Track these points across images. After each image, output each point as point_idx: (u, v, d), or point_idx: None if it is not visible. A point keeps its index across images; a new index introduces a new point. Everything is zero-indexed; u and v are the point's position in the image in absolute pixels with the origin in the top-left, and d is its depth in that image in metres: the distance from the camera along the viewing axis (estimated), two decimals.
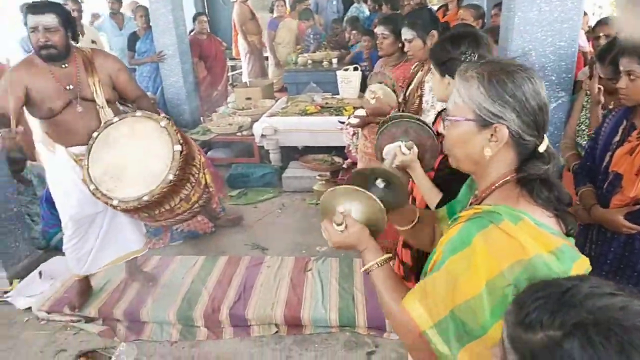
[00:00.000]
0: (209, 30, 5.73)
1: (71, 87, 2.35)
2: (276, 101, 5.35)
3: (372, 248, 1.08)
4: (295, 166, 4.48)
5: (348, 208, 1.11)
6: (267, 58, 7.25)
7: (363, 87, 5.04)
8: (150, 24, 5.13)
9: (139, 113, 2.28)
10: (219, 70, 5.87)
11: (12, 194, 3.20)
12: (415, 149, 1.54)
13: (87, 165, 2.20)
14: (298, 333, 2.52)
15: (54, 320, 2.76)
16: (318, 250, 3.29)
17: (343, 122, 3.98)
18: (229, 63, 7.06)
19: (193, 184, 2.25)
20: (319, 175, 4.05)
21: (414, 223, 1.29)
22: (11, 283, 3.07)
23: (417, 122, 1.57)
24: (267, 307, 2.59)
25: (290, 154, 4.73)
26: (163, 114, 2.45)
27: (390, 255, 1.11)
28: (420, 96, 2.26)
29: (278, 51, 6.47)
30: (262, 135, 4.56)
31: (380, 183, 1.23)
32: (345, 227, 1.08)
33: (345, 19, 6.51)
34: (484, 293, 0.84)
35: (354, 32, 5.86)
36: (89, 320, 2.72)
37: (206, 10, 8.76)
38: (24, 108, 2.36)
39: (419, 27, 2.27)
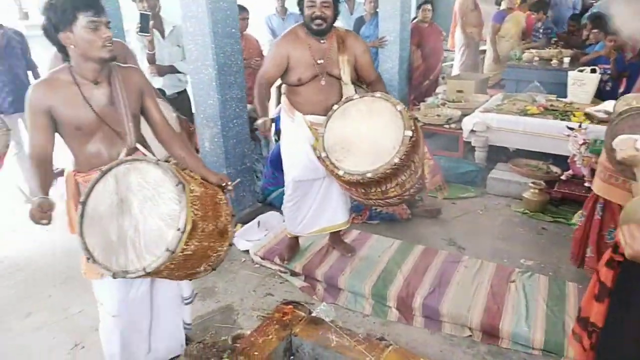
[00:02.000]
0: (431, 19, 5.68)
1: (321, 61, 2.55)
2: (490, 97, 5.07)
3: None
4: (503, 168, 4.20)
5: None
6: (482, 52, 6.91)
7: (598, 93, 4.45)
8: (378, 9, 5.30)
9: (378, 94, 2.37)
10: (435, 60, 5.79)
11: (249, 149, 3.69)
12: None
13: (324, 133, 2.38)
14: (493, 343, 2.38)
15: (265, 266, 3.12)
16: (522, 263, 3.05)
17: (572, 129, 3.57)
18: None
19: (411, 172, 2.28)
20: (532, 183, 3.72)
21: None
22: (235, 226, 3.56)
23: None
24: (462, 307, 2.50)
25: (498, 154, 4.45)
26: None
27: None
28: None
29: (500, 45, 6.10)
30: (472, 131, 4.37)
31: None
32: None
33: (586, 15, 5.79)
34: None
35: (594, 30, 5.17)
36: (294, 274, 2.99)
37: None
38: None
39: None
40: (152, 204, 1.61)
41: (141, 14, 3.38)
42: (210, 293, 2.86)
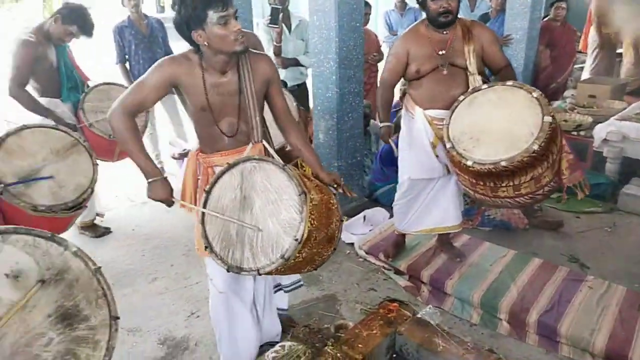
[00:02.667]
0: (564, 18, 5.24)
1: (443, 52, 2.47)
2: (628, 104, 4.55)
3: None
4: (639, 184, 3.77)
5: None
6: (619, 55, 6.22)
7: None
8: (505, 6, 5.02)
9: (509, 82, 2.23)
10: (565, 61, 5.34)
11: (361, 144, 3.71)
12: None
13: (448, 123, 2.29)
14: None
15: (369, 260, 3.12)
16: None
17: None
18: None
19: (548, 165, 2.10)
20: None
21: None
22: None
23: None
24: (584, 330, 2.29)
25: (633, 167, 3.99)
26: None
27: None
28: None
29: None
30: (604, 140, 3.97)
31: None
32: None
33: None
34: None
35: None
36: (398, 272, 2.96)
37: None
38: None
39: None
40: (273, 208, 1.64)
41: (272, 8, 3.55)
42: (315, 281, 2.93)
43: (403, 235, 3.07)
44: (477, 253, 3.01)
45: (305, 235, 1.58)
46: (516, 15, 4.96)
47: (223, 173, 1.76)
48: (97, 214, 3.62)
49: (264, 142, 1.94)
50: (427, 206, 2.83)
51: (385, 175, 3.85)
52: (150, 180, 1.82)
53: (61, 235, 1.20)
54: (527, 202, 2.31)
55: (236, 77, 1.86)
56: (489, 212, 3.44)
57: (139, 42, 4.16)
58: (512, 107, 2.15)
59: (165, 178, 1.85)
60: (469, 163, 2.12)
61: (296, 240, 1.57)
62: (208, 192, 1.77)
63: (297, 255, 1.61)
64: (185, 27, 1.72)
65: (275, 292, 2.38)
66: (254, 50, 1.97)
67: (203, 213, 1.75)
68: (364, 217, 3.58)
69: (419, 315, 2.37)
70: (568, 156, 2.23)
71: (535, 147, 1.98)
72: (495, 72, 2.58)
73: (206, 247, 1.72)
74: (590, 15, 6.34)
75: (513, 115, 2.12)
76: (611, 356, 2.18)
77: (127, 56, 4.20)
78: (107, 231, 3.59)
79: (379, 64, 5.15)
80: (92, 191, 2.46)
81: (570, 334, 2.29)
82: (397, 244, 3.07)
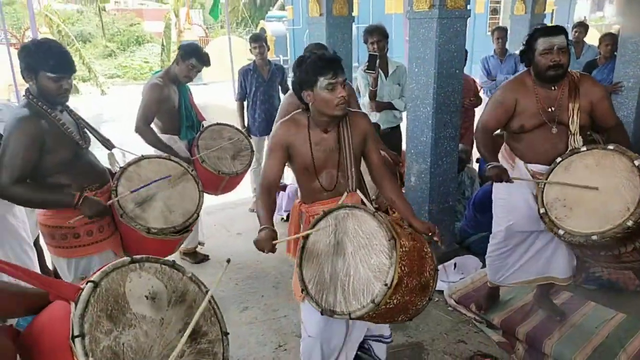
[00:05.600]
0: None
1: (552, 109, 2.40)
2: None
3: None
4: None
5: None
6: None
7: None
8: (614, 53, 4.77)
9: (611, 146, 2.14)
10: None
11: (454, 189, 3.66)
12: None
13: (543, 188, 2.24)
14: None
15: (459, 310, 3.02)
16: None
17: None
18: None
19: None
20: None
21: None
22: None
23: None
24: None
25: None
26: None
27: None
28: None
29: None
30: None
31: None
32: None
33: None
34: None
35: None
36: (490, 325, 2.83)
37: None
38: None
39: None
40: (364, 253, 1.69)
41: (370, 55, 3.72)
42: (401, 326, 2.88)
43: (497, 288, 2.94)
44: (580, 313, 2.80)
45: (396, 280, 1.59)
46: (628, 62, 4.67)
47: (319, 220, 1.86)
48: (199, 243, 3.89)
49: (358, 191, 2.05)
50: (528, 260, 2.69)
51: (478, 223, 3.74)
52: (261, 228, 1.90)
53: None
54: (636, 267, 2.22)
55: (336, 134, 2.05)
56: (595, 269, 3.19)
57: (259, 85, 4.64)
58: (609, 175, 2.07)
59: (274, 230, 1.90)
60: (560, 232, 2.10)
61: (386, 285, 1.58)
62: (305, 238, 1.88)
63: (388, 301, 1.62)
64: (298, 86, 1.97)
65: (376, 341, 2.38)
66: (352, 110, 2.15)
67: (300, 258, 1.85)
68: (455, 264, 3.49)
69: None
70: None
71: (630, 222, 1.91)
72: (604, 130, 2.46)
73: (302, 290, 1.80)
74: None
75: (610, 184, 2.05)
76: None
77: (247, 95, 4.71)
78: (205, 258, 3.85)
79: (475, 109, 5.11)
80: (198, 216, 2.67)
81: None
82: (491, 296, 2.94)
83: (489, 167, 2.47)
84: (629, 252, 2.08)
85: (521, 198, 2.54)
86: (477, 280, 3.20)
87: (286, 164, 2.11)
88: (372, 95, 4.06)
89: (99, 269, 1.15)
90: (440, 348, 2.68)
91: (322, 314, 1.73)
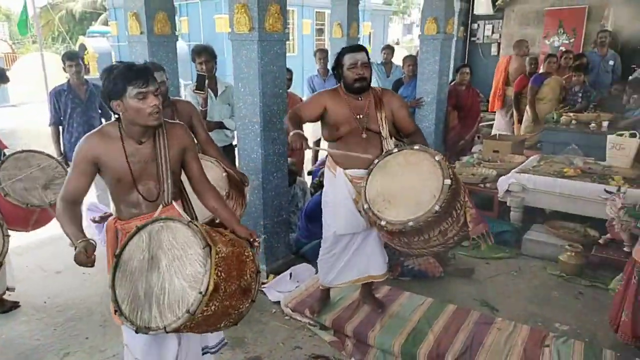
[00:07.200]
0: (469, 82, 5.84)
1: (360, 117, 2.70)
2: (527, 158, 5.08)
3: None
4: (539, 230, 4.16)
5: None
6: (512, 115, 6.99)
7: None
8: (416, 72, 5.54)
9: (416, 146, 2.49)
10: (471, 120, 5.90)
11: (286, 202, 3.83)
12: None
13: (365, 185, 2.50)
14: None
15: (295, 318, 3.15)
16: (557, 327, 2.97)
17: (610, 192, 3.54)
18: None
19: (453, 220, 2.34)
20: (569, 246, 3.66)
21: None
22: (267, 276, 3.64)
23: None
24: None
25: (534, 215, 4.41)
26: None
27: None
28: None
29: (538, 107, 6.16)
30: (507, 191, 4.38)
31: None
32: None
33: (630, 79, 5.81)
34: None
35: (635, 96, 5.19)
36: (323, 327, 3.02)
37: (466, 61, 8.99)
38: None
39: None
40: (179, 264, 1.68)
41: (198, 75, 3.72)
42: (240, 343, 2.91)
43: (328, 290, 3.16)
44: (398, 303, 3.15)
45: (211, 287, 1.61)
46: (426, 80, 5.48)
47: (132, 236, 1.81)
48: (8, 289, 3.38)
49: (174, 203, 2.02)
50: (352, 259, 2.95)
51: (310, 232, 3.96)
52: (77, 242, 1.78)
53: None
54: (441, 250, 2.60)
55: (152, 145, 2.00)
56: (408, 263, 3.64)
57: (76, 106, 4.28)
58: (417, 170, 2.40)
59: (90, 241, 1.80)
60: (383, 223, 2.35)
61: (201, 293, 1.59)
62: (118, 256, 1.80)
63: (205, 308, 1.63)
64: (107, 97, 1.89)
65: (203, 354, 2.34)
66: (170, 121, 2.14)
67: (113, 278, 1.76)
68: (291, 274, 3.64)
69: None
70: (470, 210, 2.49)
71: (437, 207, 2.23)
72: (406, 135, 2.83)
73: (116, 311, 1.72)
74: (501, 79, 7.09)
75: (419, 178, 2.38)
76: None
77: (62, 119, 4.31)
78: (15, 305, 3.36)
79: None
80: (1, 265, 2.35)
81: None
82: (322, 299, 3.15)
83: (291, 134, 2.51)
84: (436, 235, 2.41)
85: (344, 204, 2.79)
86: (311, 286, 3.39)
87: (94, 178, 1.99)
88: (203, 115, 4.05)
89: None
90: (277, 357, 2.77)
91: (136, 332, 1.68)
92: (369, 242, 2.90)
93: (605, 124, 5.22)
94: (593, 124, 5.27)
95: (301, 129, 2.57)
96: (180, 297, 1.64)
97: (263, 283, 3.54)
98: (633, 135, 4.35)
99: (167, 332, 1.64)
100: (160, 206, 1.99)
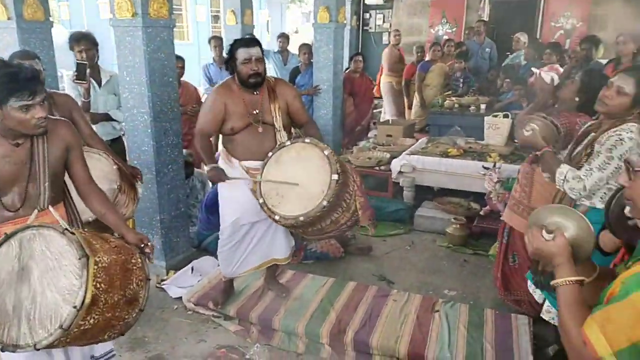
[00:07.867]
0: (362, 70, 6.07)
1: (257, 111, 2.68)
2: (417, 141, 5.43)
3: (569, 265, 1.16)
4: (428, 206, 4.48)
5: (561, 224, 1.23)
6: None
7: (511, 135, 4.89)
8: (312, 60, 5.63)
9: (307, 140, 2.54)
10: (366, 107, 6.16)
11: (183, 195, 3.72)
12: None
13: (260, 180, 2.51)
14: None
15: (198, 312, 3.09)
16: (446, 294, 3.24)
17: (487, 168, 3.91)
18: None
19: (343, 210, 2.46)
20: (454, 219, 3.99)
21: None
22: (167, 273, 3.52)
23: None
24: (391, 339, 2.62)
25: (425, 193, 4.74)
26: None
27: (583, 278, 1.16)
28: (588, 155, 2.17)
29: (425, 93, 6.58)
30: (399, 172, 4.65)
31: None
32: (553, 238, 1.19)
33: (502, 65, 6.41)
34: None
35: (507, 80, 5.75)
36: (228, 318, 3.00)
37: (360, 50, 9.31)
38: None
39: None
40: (52, 275, 1.56)
41: (78, 63, 3.43)
42: (140, 343, 2.79)
43: (231, 281, 3.14)
44: (301, 285, 3.23)
45: (88, 300, 1.50)
46: (321, 68, 5.59)
47: (0, 245, 1.64)
48: None
49: (50, 208, 1.87)
50: (256, 246, 2.94)
51: (212, 224, 3.89)
52: None
53: None
54: (336, 234, 2.76)
55: (29, 145, 1.84)
56: (311, 246, 3.73)
57: None
58: (309, 164, 2.47)
59: None
60: (277, 218, 2.41)
61: (75, 307, 1.49)
62: None
63: (82, 322, 1.53)
64: None
65: None
66: (52, 117, 1.96)
67: None
68: (192, 268, 3.55)
69: (247, 356, 2.45)
70: (360, 199, 2.62)
71: (325, 202, 2.32)
72: (300, 126, 2.87)
73: None
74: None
75: (310, 172, 2.45)
76: (412, 357, 2.53)
77: None
78: None
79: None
80: None
81: (380, 344, 2.60)
82: (226, 290, 3.11)
83: (208, 169, 2.62)
84: (328, 224, 2.53)
85: (242, 193, 2.76)
86: (213, 278, 3.34)
87: None
88: (86, 107, 3.76)
89: None
90: (181, 353, 2.71)
91: (2, 350, 1.54)
92: (272, 227, 2.89)
93: (483, 106, 5.73)
94: (473, 107, 5.76)
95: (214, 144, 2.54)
96: (53, 312, 1.51)
97: (162, 280, 3.43)
98: (506, 116, 4.83)
99: (37, 350, 1.51)
100: (36, 211, 1.83)
